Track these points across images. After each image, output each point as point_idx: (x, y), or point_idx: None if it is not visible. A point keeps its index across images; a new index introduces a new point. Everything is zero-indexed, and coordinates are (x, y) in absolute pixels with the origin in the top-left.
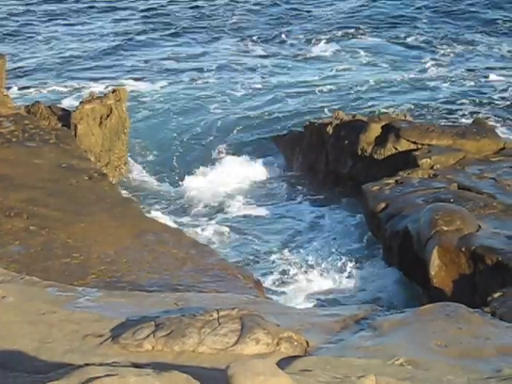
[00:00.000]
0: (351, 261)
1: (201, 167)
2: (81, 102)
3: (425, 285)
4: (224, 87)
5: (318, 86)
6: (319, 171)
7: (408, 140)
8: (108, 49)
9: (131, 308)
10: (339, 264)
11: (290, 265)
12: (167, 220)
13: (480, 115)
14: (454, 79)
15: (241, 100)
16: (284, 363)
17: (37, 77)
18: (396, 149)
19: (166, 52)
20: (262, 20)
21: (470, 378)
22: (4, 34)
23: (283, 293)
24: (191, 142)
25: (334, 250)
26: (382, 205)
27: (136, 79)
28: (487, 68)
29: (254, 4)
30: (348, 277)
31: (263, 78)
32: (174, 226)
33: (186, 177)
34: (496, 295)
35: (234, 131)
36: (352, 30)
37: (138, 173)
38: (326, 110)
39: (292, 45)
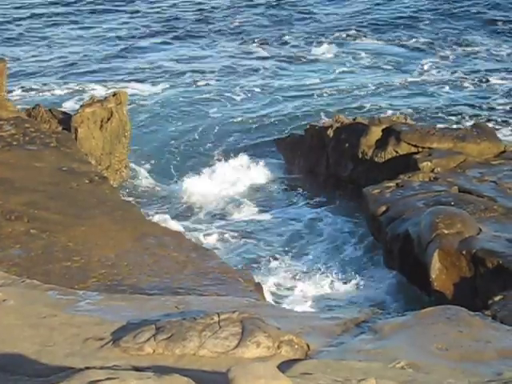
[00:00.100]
0: (352, 264)
1: (202, 170)
2: (81, 106)
3: (425, 288)
4: (225, 90)
5: (318, 88)
6: (320, 174)
7: (409, 143)
8: (110, 52)
9: (132, 311)
10: (340, 267)
11: (291, 268)
12: (167, 223)
13: (480, 118)
14: (454, 82)
15: (242, 103)
16: (285, 366)
17: (39, 79)
18: (397, 152)
19: (168, 55)
20: (263, 23)
21: (471, 381)
22: (7, 37)
23: (284, 296)
24: (192, 144)
25: (334, 254)
26: (383, 208)
27: (137, 82)
28: (488, 71)
29: (256, 7)
30: (348, 280)
31: (264, 80)
32: (174, 229)
33: (187, 180)
34: (497, 298)
35: (235, 134)
36: (353, 33)
37: (138, 176)
38: (326, 113)
39: (293, 47)
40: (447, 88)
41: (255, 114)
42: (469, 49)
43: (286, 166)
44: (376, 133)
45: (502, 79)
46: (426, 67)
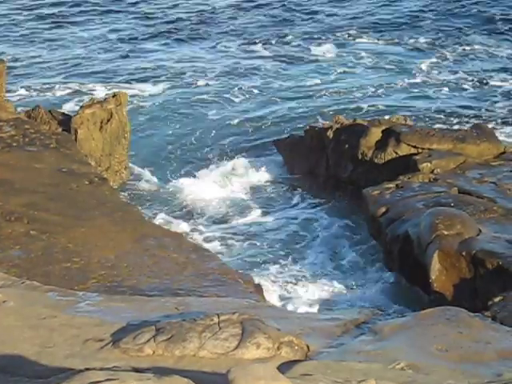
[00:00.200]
0: (351, 265)
1: (201, 171)
2: (81, 107)
3: (425, 289)
4: (225, 90)
5: (318, 89)
6: (319, 175)
7: (408, 144)
8: (111, 53)
9: (132, 312)
10: (339, 268)
11: (290, 269)
12: (167, 224)
13: (480, 119)
14: (454, 83)
15: (242, 104)
16: (285, 367)
17: (39, 80)
18: (396, 153)
19: (169, 55)
20: (264, 23)
21: (471, 382)
22: (8, 38)
23: (284, 297)
24: (192, 145)
25: (334, 255)
26: (383, 209)
27: (138, 83)
28: (488, 72)
29: (257, 7)
30: (348, 281)
31: (265, 81)
32: (174, 230)
33: (187, 181)
34: (496, 299)
35: (235, 135)
36: (354, 33)
37: (138, 177)
38: (326, 114)
39: (294, 48)
40: (447, 89)
41: (255, 115)
42: (469, 49)
43: (285, 167)
44: (376, 134)
45: (502, 80)
46: (426, 68)
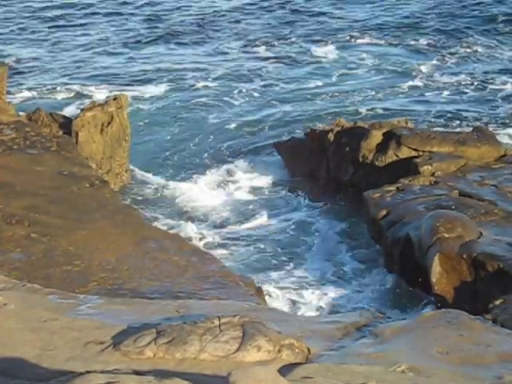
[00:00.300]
0: (352, 268)
1: (202, 174)
2: (82, 110)
3: (426, 292)
4: (226, 93)
5: (319, 92)
6: (320, 178)
7: (409, 147)
8: (112, 55)
9: (132, 315)
10: (340, 271)
11: (291, 273)
12: (168, 227)
13: (481, 122)
14: (456, 85)
15: (242, 106)
16: (285, 370)
17: (41, 82)
18: (397, 156)
19: (169, 58)
20: (265, 26)
21: None
22: (9, 39)
23: (284, 300)
24: (193, 148)
25: (334, 257)
26: (384, 212)
27: (139, 85)
28: (489, 74)
29: (258, 10)
30: (349, 284)
31: (265, 83)
32: (174, 233)
33: (188, 184)
34: (497, 302)
35: (235, 138)
36: (355, 36)
37: (139, 180)
38: (327, 116)
39: (295, 50)
40: (448, 91)
41: (256, 118)
42: (471, 52)
43: (286, 170)
44: (376, 137)
45: (503, 82)
46: (427, 70)
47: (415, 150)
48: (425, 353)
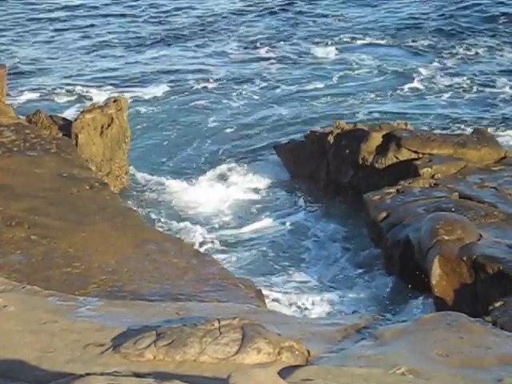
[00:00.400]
0: (352, 270)
1: (201, 176)
2: (82, 112)
3: (426, 294)
4: (226, 95)
5: (319, 94)
6: (320, 180)
7: (409, 149)
8: (112, 57)
9: (132, 317)
10: (340, 273)
11: (291, 275)
12: (168, 229)
13: (481, 124)
14: (456, 87)
15: (242, 108)
16: (285, 372)
17: (40, 84)
18: (397, 158)
19: (169, 60)
20: (266, 27)
21: None
22: (11, 41)
23: (283, 302)
24: (192, 150)
25: (334, 260)
26: (383, 214)
27: (139, 87)
28: (489, 76)
29: (260, 11)
30: (349, 286)
31: (265, 85)
32: (174, 235)
33: (187, 186)
34: (497, 304)
35: (235, 140)
36: (356, 37)
37: (139, 182)
38: (327, 118)
39: (295, 52)
40: (448, 93)
41: (255, 120)
42: (471, 53)
43: (286, 172)
44: (376, 139)
45: (503, 84)
46: (427, 72)
47: (415, 152)
48: (424, 355)
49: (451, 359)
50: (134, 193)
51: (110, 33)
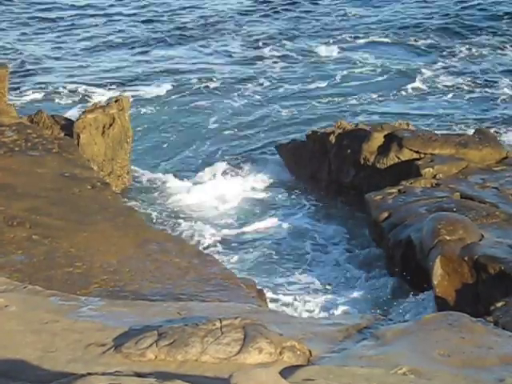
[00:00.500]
0: (353, 270)
1: (203, 176)
2: (83, 112)
3: (427, 294)
4: (227, 94)
5: (321, 93)
6: (322, 180)
7: (410, 149)
8: (115, 56)
9: (134, 317)
10: (341, 273)
11: (292, 275)
12: (169, 229)
13: (483, 124)
14: (458, 87)
15: (244, 107)
16: (287, 372)
17: (42, 84)
18: (399, 158)
19: (172, 59)
20: (269, 26)
21: None
22: (12, 41)
23: (285, 302)
24: (193, 150)
25: (335, 260)
26: (385, 214)
27: (141, 87)
28: (492, 76)
29: (262, 10)
30: (350, 286)
31: (267, 85)
32: (176, 235)
33: (189, 186)
34: (499, 304)
35: (237, 139)
36: (358, 37)
37: (141, 182)
38: (328, 118)
39: (298, 52)
40: (450, 93)
41: (257, 119)
42: (473, 52)
43: (287, 172)
44: (378, 139)
45: (505, 84)
46: (429, 72)
47: (417, 152)
48: (426, 355)
49: (453, 359)
50: (136, 193)
51: (112, 32)
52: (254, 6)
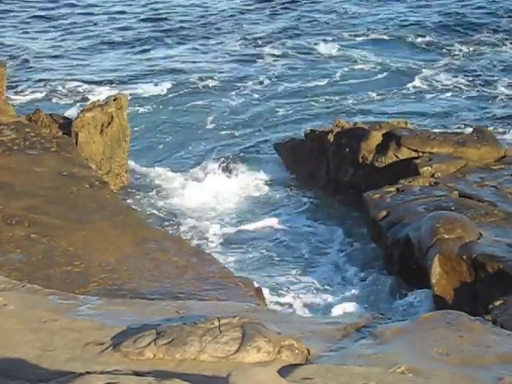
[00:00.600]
0: (352, 269)
1: (201, 175)
2: (82, 110)
3: (426, 293)
4: (227, 93)
5: (320, 92)
6: (320, 179)
7: (409, 148)
8: (113, 55)
9: (132, 316)
10: (339, 272)
11: (290, 273)
12: (168, 228)
13: (481, 123)
14: (456, 85)
15: (243, 106)
16: (285, 371)
17: (41, 82)
18: (397, 157)
19: (171, 58)
20: (268, 25)
21: None
22: (11, 40)
23: (284, 301)
24: (192, 149)
25: (333, 259)
26: (383, 213)
27: (139, 85)
28: (490, 74)
29: (261, 9)
30: (348, 284)
31: (266, 83)
32: (174, 234)
33: (187, 185)
34: (497, 303)
35: (235, 138)
36: (357, 35)
37: (139, 180)
38: (327, 117)
39: (298, 50)
40: (448, 92)
41: (256, 118)
42: (473, 52)
43: (286, 171)
44: (376, 138)
45: (504, 82)
46: (428, 70)
47: (415, 150)
48: (424, 354)
49: (451, 358)
50: (134, 191)
51: (111, 31)
52: (254, 4)
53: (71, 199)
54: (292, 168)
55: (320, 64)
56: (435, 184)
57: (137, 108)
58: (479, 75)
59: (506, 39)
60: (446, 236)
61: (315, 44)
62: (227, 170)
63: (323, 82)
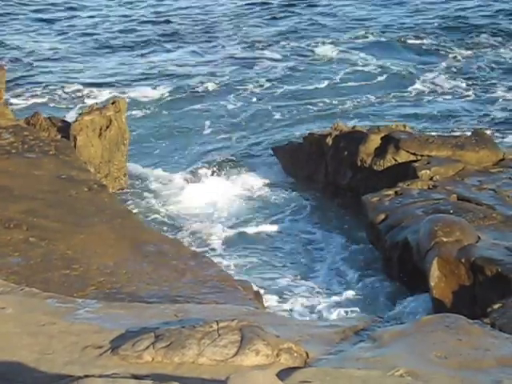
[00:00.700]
0: (350, 272)
1: (200, 178)
2: (80, 114)
3: (424, 296)
4: (226, 96)
5: (319, 95)
6: (319, 182)
7: (407, 151)
8: (113, 58)
9: (131, 319)
10: (338, 275)
11: (288, 277)
12: (166, 231)
13: (480, 126)
14: (455, 89)
15: (242, 109)
16: (284, 374)
17: (40, 85)
18: (395, 160)
19: (171, 61)
20: (267, 28)
21: None
22: (12, 42)
23: (282, 304)
24: (191, 151)
25: (332, 262)
26: (382, 216)
27: (138, 88)
28: (489, 77)
29: (261, 11)
30: (347, 288)
31: (267, 86)
32: (173, 237)
33: (185, 188)
34: (496, 306)
35: (233, 141)
36: (357, 37)
37: (137, 184)
38: (325, 120)
39: (298, 53)
40: (447, 95)
41: (254, 121)
42: (472, 54)
43: (284, 174)
44: (375, 141)
45: (503, 86)
46: (428, 73)
47: (413, 154)
48: (423, 357)
49: (450, 361)
50: (133, 195)
51: (110, 34)
52: (253, 7)
53: (70, 202)
54: (290, 171)
55: (319, 67)
56: (434, 187)
57: (135, 111)
58: (478, 78)
59: (506, 43)
60: (445, 239)
61: (314, 47)
62: (226, 173)
63: (322, 85)
